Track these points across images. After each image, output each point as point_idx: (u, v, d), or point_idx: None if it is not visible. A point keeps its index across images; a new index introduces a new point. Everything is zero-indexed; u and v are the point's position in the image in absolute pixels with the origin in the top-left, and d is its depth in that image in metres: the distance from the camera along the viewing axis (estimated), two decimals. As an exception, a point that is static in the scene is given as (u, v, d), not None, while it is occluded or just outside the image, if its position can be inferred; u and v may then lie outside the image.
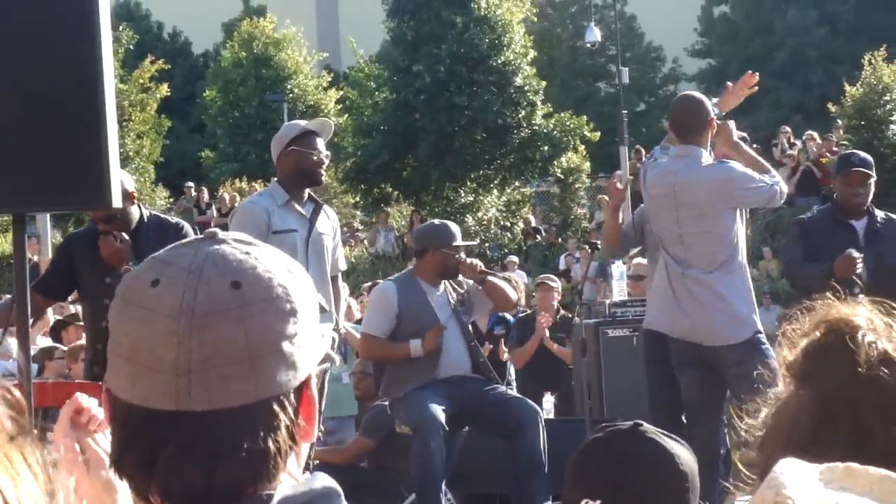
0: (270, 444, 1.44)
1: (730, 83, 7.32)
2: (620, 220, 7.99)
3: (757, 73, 7.17)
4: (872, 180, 7.61)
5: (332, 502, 1.47)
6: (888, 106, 26.36)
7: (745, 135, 7.51)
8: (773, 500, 1.19)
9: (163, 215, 7.08)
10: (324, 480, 1.48)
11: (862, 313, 1.57)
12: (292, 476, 1.49)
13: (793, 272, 8.13)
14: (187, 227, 6.49)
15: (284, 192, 6.72)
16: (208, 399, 1.42)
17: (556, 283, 11.55)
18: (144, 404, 1.44)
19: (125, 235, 6.45)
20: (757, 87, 7.19)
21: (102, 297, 6.04)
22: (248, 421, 1.43)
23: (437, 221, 8.10)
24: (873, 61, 27.31)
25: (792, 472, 1.22)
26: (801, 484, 1.20)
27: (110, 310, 1.51)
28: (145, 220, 6.60)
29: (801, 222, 8.13)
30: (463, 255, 7.45)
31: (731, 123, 7.07)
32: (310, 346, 1.50)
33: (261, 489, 1.44)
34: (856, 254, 7.34)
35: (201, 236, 1.52)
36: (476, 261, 7.58)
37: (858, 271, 7.27)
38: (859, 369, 1.51)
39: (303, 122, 7.07)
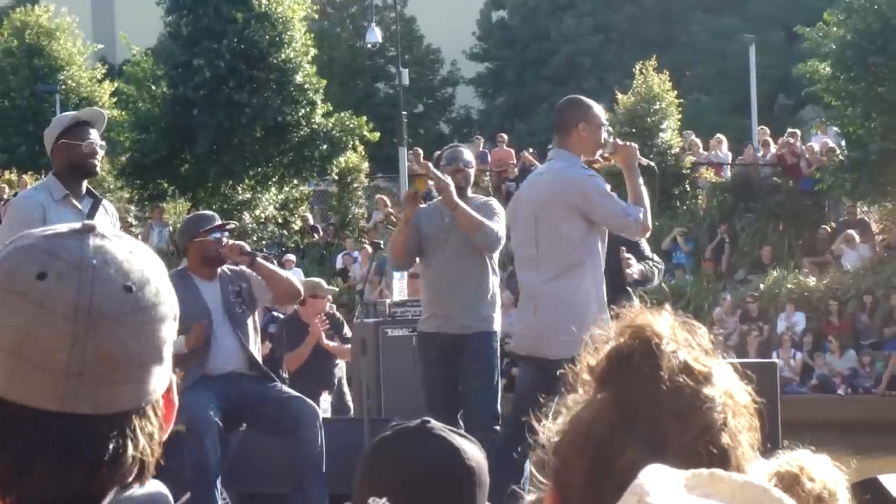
0: (148, 449, 1.43)
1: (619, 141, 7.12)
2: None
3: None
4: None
5: None
6: (657, 115, 27.15)
7: (651, 164, 7.37)
8: None
9: None
10: (156, 485, 1.47)
11: (666, 322, 1.60)
12: None
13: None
14: None
15: (61, 187, 6.56)
16: (93, 403, 1.38)
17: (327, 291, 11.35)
18: (21, 401, 1.38)
19: None
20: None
21: None
22: (129, 426, 1.40)
23: (192, 214, 8.02)
24: (644, 71, 28.10)
25: (656, 478, 1.24)
26: (664, 490, 1.23)
27: None
28: None
29: None
30: (225, 239, 7.39)
31: (633, 147, 6.97)
32: (172, 347, 1.49)
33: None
34: None
35: (78, 227, 1.46)
36: (240, 242, 7.49)
37: None
38: (661, 373, 1.54)
39: (73, 113, 6.92)
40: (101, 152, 6.67)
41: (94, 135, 6.61)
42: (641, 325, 1.60)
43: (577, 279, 6.72)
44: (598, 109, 7.03)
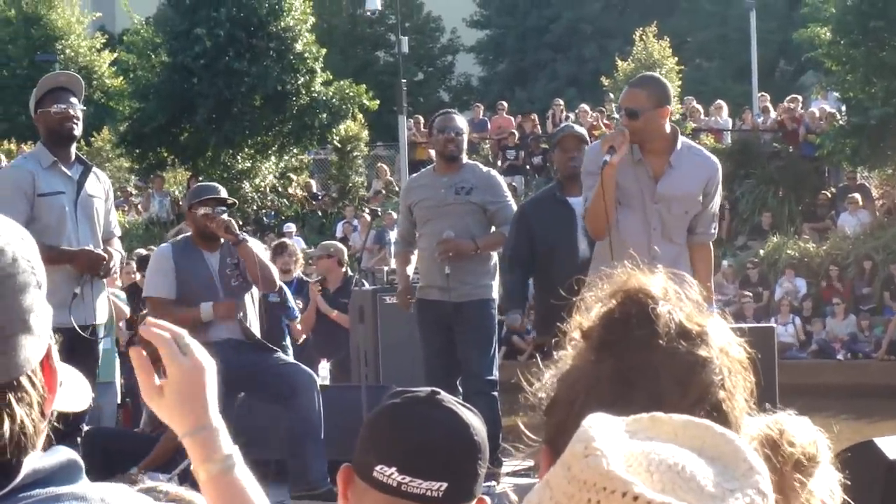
0: (27, 422, 1.38)
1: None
2: None
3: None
4: (586, 146, 7.51)
5: (74, 474, 1.44)
6: (658, 81, 26.98)
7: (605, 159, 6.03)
8: (582, 454, 1.21)
9: None
10: (66, 453, 1.44)
11: (658, 282, 1.59)
12: None
13: (501, 275, 8.00)
14: None
15: (49, 154, 6.62)
16: None
17: (336, 250, 11.31)
18: None
19: None
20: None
21: None
22: (3, 401, 1.37)
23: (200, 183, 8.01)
24: (644, 37, 28.01)
25: (600, 425, 1.25)
26: (609, 436, 1.23)
27: None
28: None
29: (520, 209, 7.92)
30: (221, 213, 7.27)
31: (608, 134, 6.28)
32: (47, 314, 1.45)
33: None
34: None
35: None
36: (227, 219, 7.29)
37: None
38: (659, 341, 1.53)
39: (49, 77, 6.98)
40: (75, 114, 6.69)
41: (71, 98, 6.69)
42: (635, 287, 1.58)
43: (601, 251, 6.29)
44: (624, 93, 6.33)
